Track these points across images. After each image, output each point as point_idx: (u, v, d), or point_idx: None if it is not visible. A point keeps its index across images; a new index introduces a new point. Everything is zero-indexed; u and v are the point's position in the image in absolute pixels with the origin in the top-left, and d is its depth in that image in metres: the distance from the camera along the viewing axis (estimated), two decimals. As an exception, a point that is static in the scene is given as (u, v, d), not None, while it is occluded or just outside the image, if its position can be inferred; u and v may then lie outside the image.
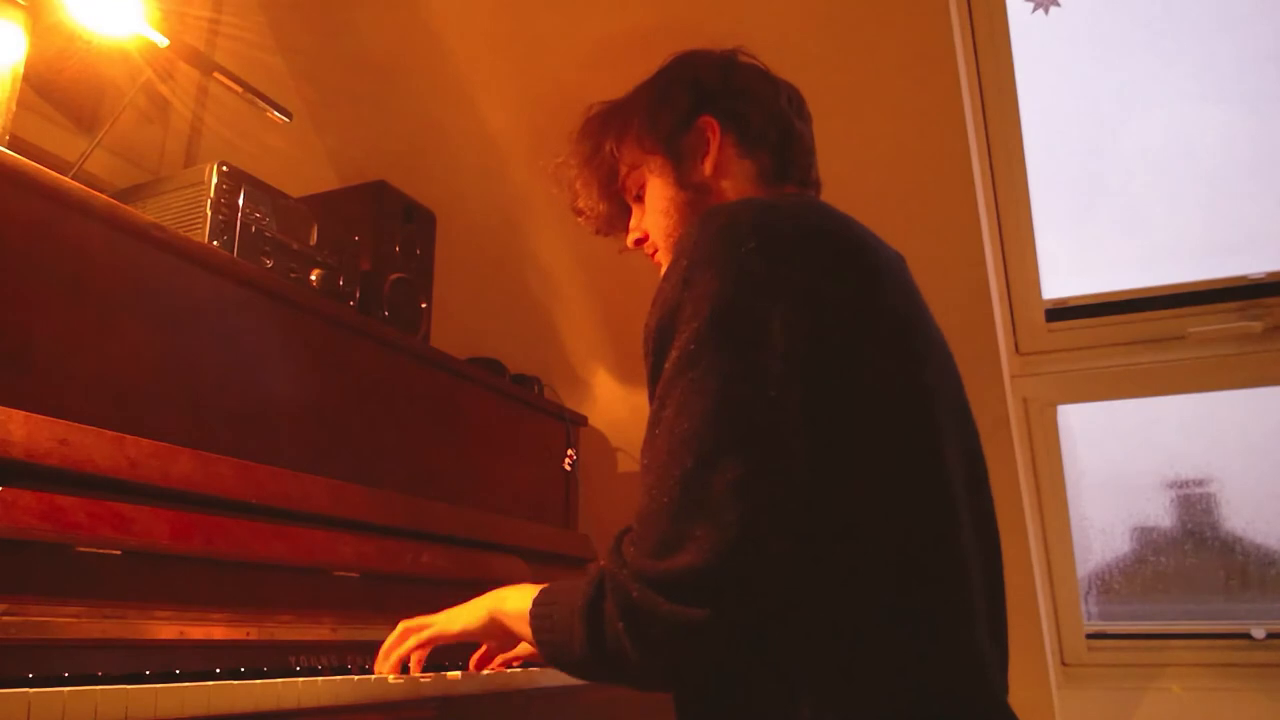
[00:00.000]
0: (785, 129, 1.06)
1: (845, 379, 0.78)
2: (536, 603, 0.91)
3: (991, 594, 0.89)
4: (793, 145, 1.07)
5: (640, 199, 1.11)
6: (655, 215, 1.07)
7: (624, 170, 1.10)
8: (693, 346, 0.78)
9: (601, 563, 0.81)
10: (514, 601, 0.97)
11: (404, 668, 1.07)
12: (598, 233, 1.18)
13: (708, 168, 1.04)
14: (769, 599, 0.74)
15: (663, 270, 1.07)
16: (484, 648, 1.09)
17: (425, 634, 1.05)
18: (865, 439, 0.79)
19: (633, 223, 1.12)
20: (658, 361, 0.81)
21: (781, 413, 0.75)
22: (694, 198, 1.04)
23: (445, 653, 1.24)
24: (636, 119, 1.09)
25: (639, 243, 1.12)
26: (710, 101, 1.06)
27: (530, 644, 0.94)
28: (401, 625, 1.07)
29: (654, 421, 0.79)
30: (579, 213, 1.18)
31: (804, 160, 1.08)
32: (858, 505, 0.77)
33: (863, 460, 0.78)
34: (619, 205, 1.14)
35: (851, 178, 1.87)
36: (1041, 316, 2.01)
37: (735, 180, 1.04)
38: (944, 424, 0.85)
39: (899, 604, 0.77)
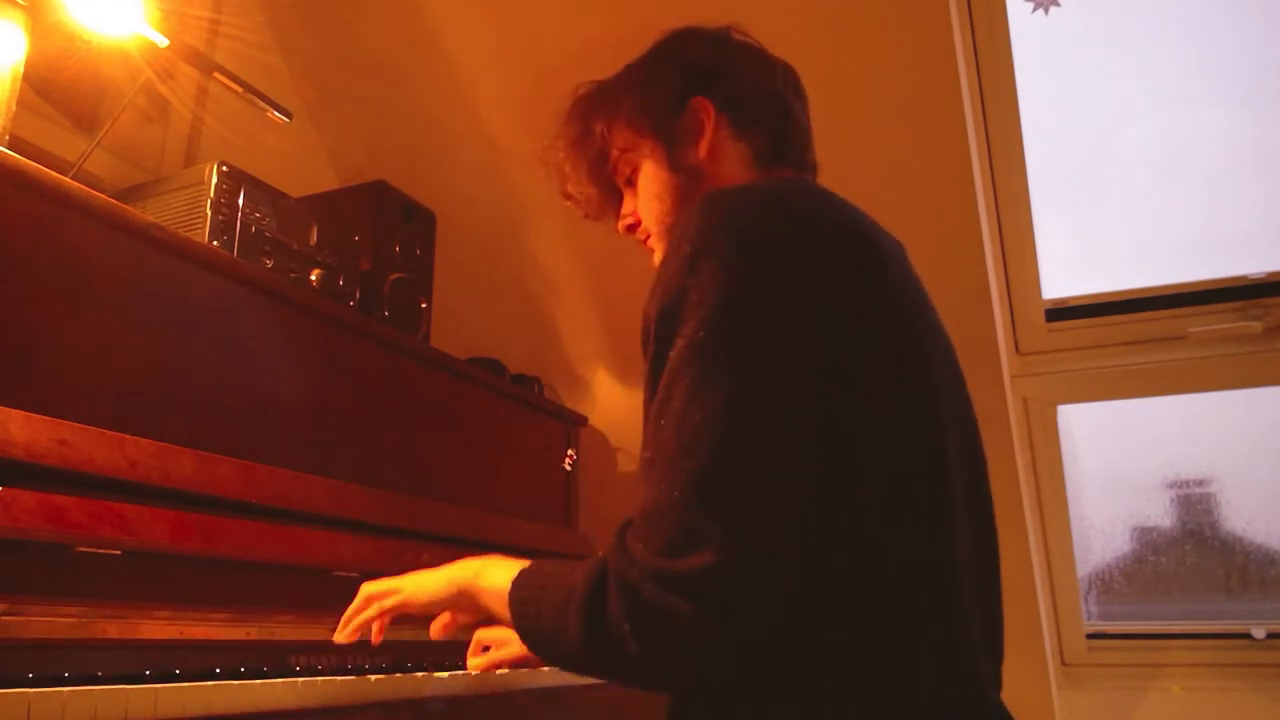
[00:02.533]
0: (781, 110, 1.04)
1: (851, 378, 0.77)
2: (517, 585, 0.87)
3: (986, 593, 0.88)
4: (789, 127, 1.04)
5: (632, 183, 1.07)
6: (648, 200, 1.04)
7: (615, 153, 1.06)
8: (702, 334, 0.75)
9: (602, 555, 0.78)
10: (490, 577, 0.92)
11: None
12: (587, 217, 1.14)
13: (702, 150, 1.00)
14: (779, 601, 0.73)
15: (656, 256, 1.04)
16: (449, 616, 1.02)
17: (390, 601, 1.00)
18: (870, 440, 0.77)
19: (625, 208, 1.09)
20: (661, 349, 0.78)
21: (793, 410, 0.74)
22: (687, 182, 1.01)
23: (445, 652, 1.24)
24: (628, 101, 1.05)
25: (631, 228, 1.08)
26: (704, 82, 1.02)
27: (504, 623, 0.90)
28: (365, 590, 1.03)
29: (660, 411, 0.76)
30: (567, 197, 1.14)
31: (800, 141, 1.05)
32: (861, 508, 0.76)
33: (867, 462, 0.77)
34: (609, 189, 1.10)
35: (851, 177, 1.87)
36: (1041, 316, 2.01)
37: (730, 163, 1.01)
38: (947, 423, 0.84)
39: (896, 606, 0.76)
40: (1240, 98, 1.99)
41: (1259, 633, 1.86)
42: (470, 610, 0.97)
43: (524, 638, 0.86)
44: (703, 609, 0.69)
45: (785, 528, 0.72)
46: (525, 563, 0.91)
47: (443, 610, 1.00)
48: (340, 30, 2.14)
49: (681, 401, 0.74)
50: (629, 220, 1.08)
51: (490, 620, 0.97)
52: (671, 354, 0.76)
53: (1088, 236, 2.11)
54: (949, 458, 0.82)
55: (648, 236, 1.06)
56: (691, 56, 1.05)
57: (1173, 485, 2.04)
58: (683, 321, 0.76)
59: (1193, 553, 2.02)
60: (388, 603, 1.00)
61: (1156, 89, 2.07)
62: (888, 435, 0.78)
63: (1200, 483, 2.02)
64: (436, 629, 1.02)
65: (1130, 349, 1.94)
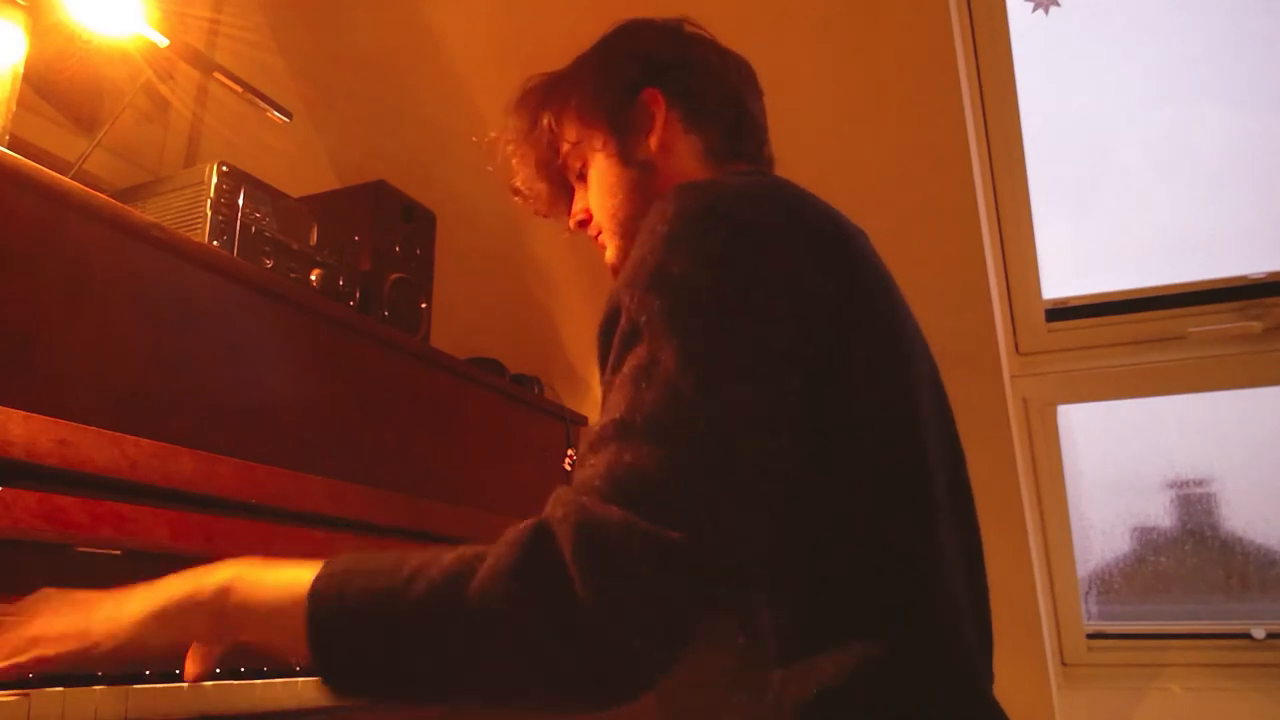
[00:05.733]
0: (735, 103, 1.02)
1: (831, 372, 0.76)
2: (323, 591, 0.69)
3: (973, 581, 0.87)
4: (743, 120, 1.02)
5: (583, 177, 1.04)
6: (599, 194, 1.01)
7: (564, 147, 1.04)
8: (686, 307, 0.72)
9: (526, 523, 0.71)
10: (252, 588, 0.72)
11: None
12: (537, 214, 1.12)
13: (653, 144, 0.98)
14: (759, 586, 0.72)
15: (609, 253, 1.03)
16: (199, 656, 0.76)
17: (51, 650, 0.73)
18: (852, 432, 0.76)
19: (575, 203, 1.06)
20: (634, 318, 0.74)
21: (778, 401, 0.73)
22: (639, 175, 0.98)
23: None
24: (578, 92, 1.03)
25: (582, 224, 1.06)
26: (656, 74, 1.00)
27: (277, 652, 0.72)
28: (32, 629, 0.75)
29: (642, 374, 0.71)
30: (516, 192, 1.12)
31: (755, 136, 1.03)
32: (843, 502, 0.75)
33: (848, 456, 0.76)
34: (559, 184, 1.08)
35: (851, 177, 1.88)
36: (1041, 316, 2.01)
37: (681, 157, 0.99)
38: (926, 416, 0.84)
39: (881, 599, 0.75)
40: (1240, 97, 1.99)
41: (1259, 633, 1.86)
42: (209, 638, 0.75)
43: (345, 659, 0.68)
44: (679, 581, 0.64)
45: (763, 521, 0.71)
46: (277, 562, 0.72)
47: (144, 653, 0.73)
48: (340, 30, 2.14)
49: (669, 370, 0.69)
50: (580, 216, 1.06)
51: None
52: (646, 320, 0.73)
53: (1088, 236, 2.11)
54: (929, 450, 0.82)
55: (599, 232, 1.04)
56: (643, 48, 1.03)
57: (1173, 485, 2.04)
58: (661, 293, 0.73)
59: (1193, 553, 2.02)
60: (48, 651, 0.73)
61: (1157, 89, 2.07)
62: (868, 429, 0.77)
63: (1200, 483, 2.02)
64: (192, 675, 0.76)
65: (1130, 349, 1.94)
